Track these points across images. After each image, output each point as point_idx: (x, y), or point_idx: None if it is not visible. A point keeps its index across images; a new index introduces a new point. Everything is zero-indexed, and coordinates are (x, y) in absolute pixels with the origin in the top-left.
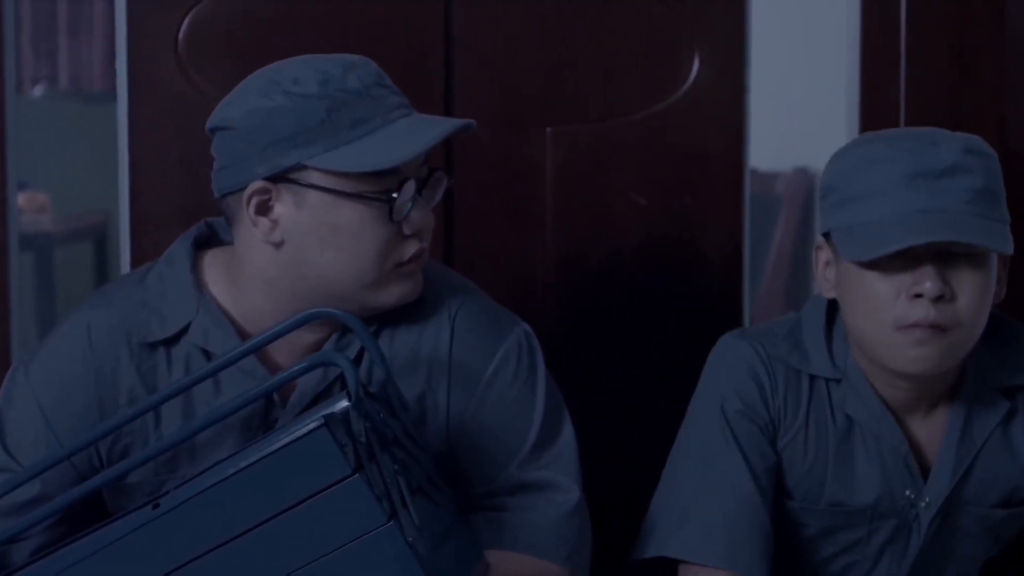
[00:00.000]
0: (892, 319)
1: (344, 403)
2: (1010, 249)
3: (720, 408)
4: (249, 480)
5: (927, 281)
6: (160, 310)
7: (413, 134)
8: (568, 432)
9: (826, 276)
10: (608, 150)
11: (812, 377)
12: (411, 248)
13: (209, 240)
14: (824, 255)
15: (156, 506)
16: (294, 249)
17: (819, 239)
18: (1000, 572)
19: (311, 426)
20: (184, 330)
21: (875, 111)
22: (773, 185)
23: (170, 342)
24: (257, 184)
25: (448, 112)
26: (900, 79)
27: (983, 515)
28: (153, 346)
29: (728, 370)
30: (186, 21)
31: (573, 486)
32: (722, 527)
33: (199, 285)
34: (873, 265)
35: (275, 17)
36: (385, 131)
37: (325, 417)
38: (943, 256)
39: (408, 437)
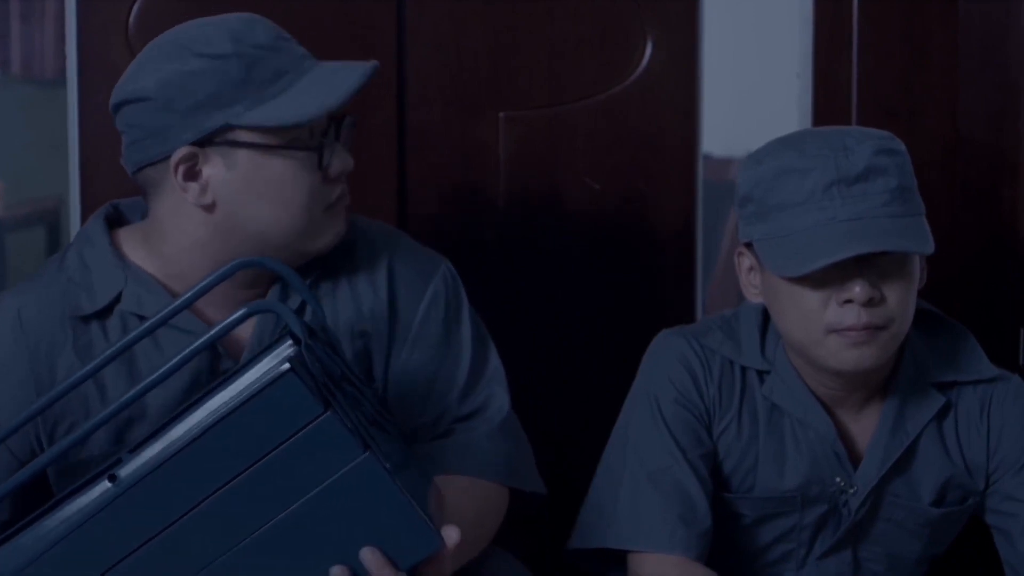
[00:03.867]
0: (824, 324)
1: (292, 346)
2: (931, 248)
3: (655, 399)
4: (216, 437)
5: (856, 287)
6: (87, 284)
7: (331, 82)
8: (495, 358)
9: (751, 281)
10: (561, 135)
11: (744, 368)
12: (336, 190)
13: (119, 220)
14: (747, 261)
15: (113, 478)
16: (228, 208)
17: (740, 245)
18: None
19: (279, 371)
20: (116, 300)
21: (827, 97)
22: (726, 170)
23: (103, 315)
24: (184, 150)
25: (401, 97)
26: (852, 65)
27: (917, 510)
28: (86, 320)
29: (662, 363)
30: (136, 5)
31: (503, 395)
32: (675, 516)
33: (121, 257)
34: (800, 278)
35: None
36: (302, 82)
37: (289, 360)
38: (868, 259)
39: (351, 373)
